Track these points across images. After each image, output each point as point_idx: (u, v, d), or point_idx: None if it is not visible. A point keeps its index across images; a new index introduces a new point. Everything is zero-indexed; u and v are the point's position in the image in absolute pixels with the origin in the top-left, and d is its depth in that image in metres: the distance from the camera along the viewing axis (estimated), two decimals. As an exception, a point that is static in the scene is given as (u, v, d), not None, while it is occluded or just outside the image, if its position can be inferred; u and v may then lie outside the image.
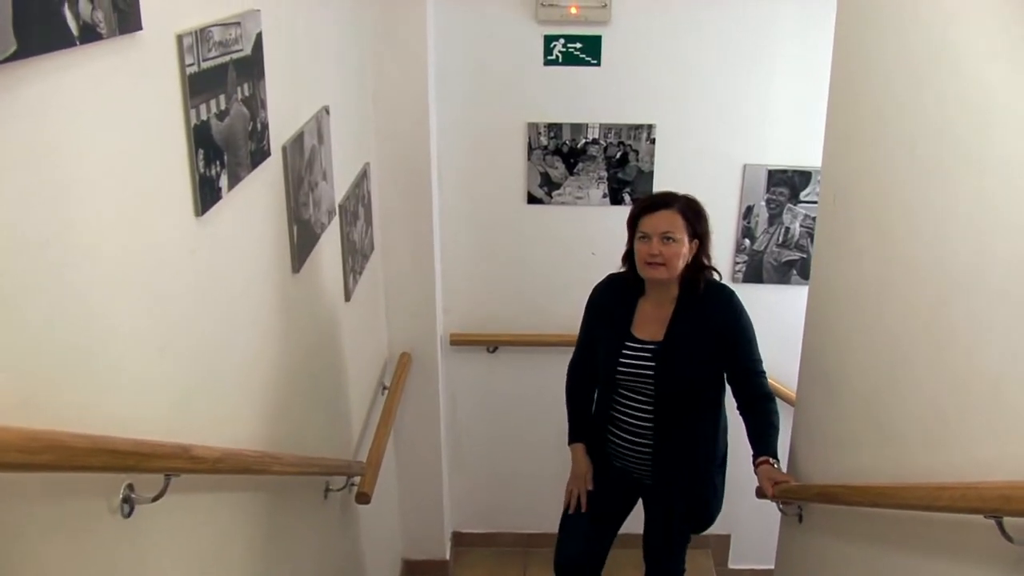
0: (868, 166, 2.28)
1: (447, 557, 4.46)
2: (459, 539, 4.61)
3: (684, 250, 2.77)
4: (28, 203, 1.15)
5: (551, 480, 4.19)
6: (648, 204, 2.83)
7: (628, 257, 2.90)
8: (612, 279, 3.05)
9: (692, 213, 2.79)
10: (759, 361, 2.90)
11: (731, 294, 2.89)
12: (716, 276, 2.93)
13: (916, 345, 1.93)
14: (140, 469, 1.36)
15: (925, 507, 1.72)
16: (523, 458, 4.45)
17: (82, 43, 1.25)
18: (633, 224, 2.83)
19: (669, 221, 2.75)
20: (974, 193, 1.69)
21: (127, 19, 1.40)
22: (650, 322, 2.90)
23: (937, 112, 1.86)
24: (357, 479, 3.06)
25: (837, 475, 2.42)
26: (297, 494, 2.55)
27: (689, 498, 3.03)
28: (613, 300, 3.00)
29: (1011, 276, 1.54)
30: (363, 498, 3.02)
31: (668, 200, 2.80)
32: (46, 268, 1.19)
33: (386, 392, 3.71)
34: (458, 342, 4.16)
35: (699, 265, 2.84)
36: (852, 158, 2.40)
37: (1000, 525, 1.45)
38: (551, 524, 4.38)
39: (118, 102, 1.40)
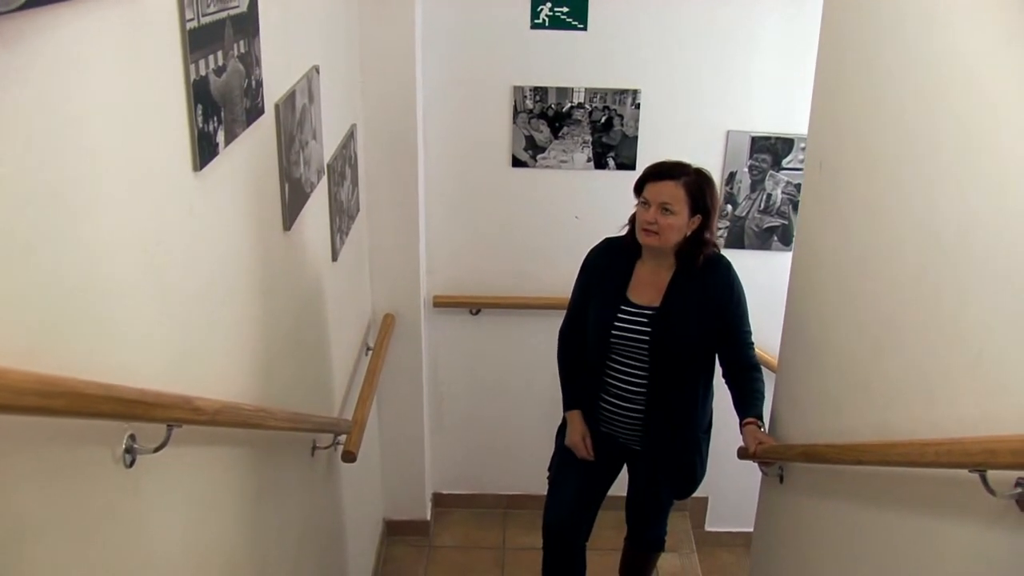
0: (855, 133, 2.30)
1: (428, 518, 4.50)
2: (439, 500, 4.65)
3: (680, 223, 2.77)
4: (39, 154, 1.15)
5: (531, 442, 4.23)
6: (654, 172, 2.81)
7: (633, 220, 2.89)
8: (608, 243, 3.03)
9: (697, 188, 2.77)
10: (749, 332, 2.93)
11: (728, 265, 2.90)
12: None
13: (902, 308, 1.96)
14: (145, 418, 1.37)
15: (910, 463, 1.76)
16: (504, 419, 4.49)
17: (89, -8, 1.26)
18: (639, 189, 2.82)
19: (670, 192, 2.75)
20: (961, 159, 1.72)
21: (130, -31, 1.40)
22: (646, 287, 2.90)
23: (926, 79, 1.88)
24: (343, 438, 3.08)
25: (819, 435, 2.44)
26: (286, 451, 2.57)
27: (677, 464, 3.06)
28: (609, 263, 2.98)
29: (995, 242, 1.57)
30: (349, 456, 3.04)
31: (674, 171, 2.78)
32: (55, 218, 1.20)
33: (370, 353, 3.72)
34: (441, 304, 4.17)
35: (700, 240, 2.83)
36: (839, 125, 2.42)
37: (984, 479, 1.49)
38: (531, 486, 4.45)
39: (122, 55, 1.40)
